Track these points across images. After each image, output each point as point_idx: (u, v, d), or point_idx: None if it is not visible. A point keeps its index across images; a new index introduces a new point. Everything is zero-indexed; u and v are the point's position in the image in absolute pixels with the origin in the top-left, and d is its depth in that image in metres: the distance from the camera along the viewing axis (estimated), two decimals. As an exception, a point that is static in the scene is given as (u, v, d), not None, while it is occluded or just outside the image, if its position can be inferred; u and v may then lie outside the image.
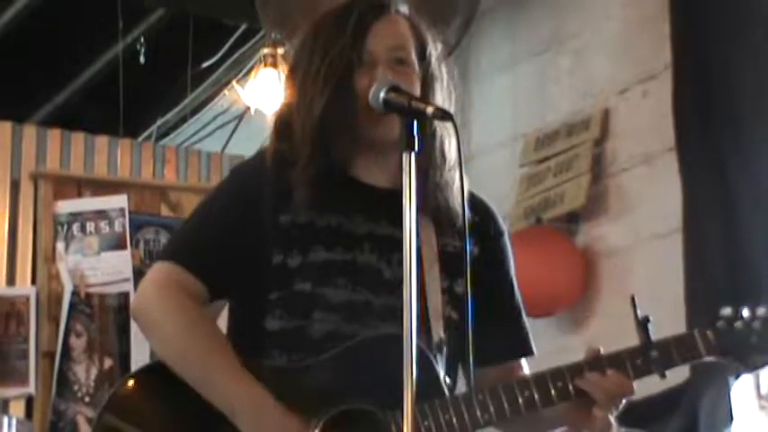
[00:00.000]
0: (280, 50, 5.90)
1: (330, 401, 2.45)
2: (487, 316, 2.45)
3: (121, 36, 6.62)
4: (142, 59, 6.70)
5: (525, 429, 2.66)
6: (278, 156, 2.61)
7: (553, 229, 5.19)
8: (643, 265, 4.82)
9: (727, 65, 4.56)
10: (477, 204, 2.69)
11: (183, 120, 7.41)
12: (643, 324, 2.53)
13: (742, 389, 4.46)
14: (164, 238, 5.60)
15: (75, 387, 5.35)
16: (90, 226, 5.55)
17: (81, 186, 5.67)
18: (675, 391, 4.38)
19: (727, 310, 2.57)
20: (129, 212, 5.62)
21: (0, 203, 5.59)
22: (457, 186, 2.56)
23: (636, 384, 2.55)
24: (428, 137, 2.51)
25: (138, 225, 5.63)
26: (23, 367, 5.36)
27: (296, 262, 2.54)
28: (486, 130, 5.66)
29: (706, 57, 4.63)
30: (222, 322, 2.66)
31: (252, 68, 6.34)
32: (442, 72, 2.66)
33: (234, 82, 6.55)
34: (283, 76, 4.44)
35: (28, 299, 5.44)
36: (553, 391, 2.51)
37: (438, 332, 2.55)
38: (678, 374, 4.28)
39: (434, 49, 2.66)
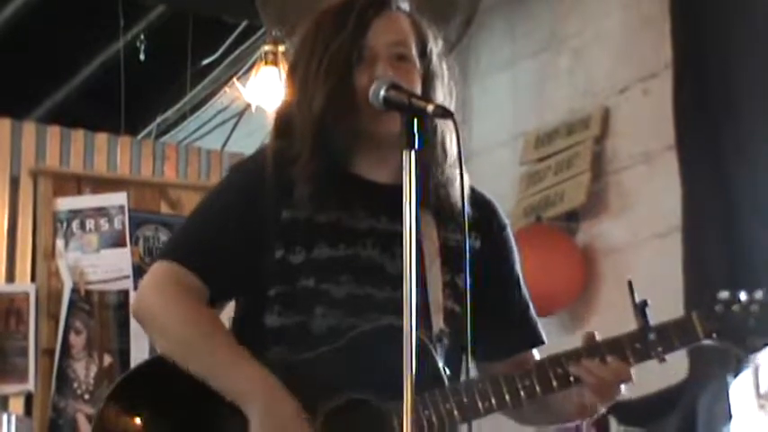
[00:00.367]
0: (281, 48, 5.90)
1: (331, 393, 2.46)
2: (494, 310, 2.45)
3: (122, 33, 6.62)
4: (142, 57, 6.71)
5: (532, 417, 2.67)
6: (279, 152, 2.61)
7: (553, 228, 5.19)
8: (643, 264, 4.83)
9: (726, 64, 4.56)
10: (478, 199, 2.69)
11: (183, 117, 7.41)
12: (641, 308, 2.54)
13: (741, 387, 4.46)
14: (163, 236, 5.60)
15: (75, 384, 5.35)
16: (90, 223, 5.55)
17: (81, 183, 5.67)
18: (674, 389, 4.39)
19: (724, 294, 2.58)
20: (129, 210, 5.61)
21: (-1, 200, 5.59)
22: (458, 182, 2.56)
23: (635, 383, 2.55)
24: (429, 133, 2.51)
25: (137, 222, 5.63)
26: (23, 364, 5.36)
27: (299, 258, 2.54)
28: (487, 129, 5.67)
29: (706, 55, 4.64)
30: (225, 319, 2.66)
31: (252, 66, 6.34)
32: (442, 69, 2.66)
33: (234, 79, 6.56)
34: (284, 74, 4.43)
35: (27, 296, 5.44)
36: (553, 380, 2.51)
37: (438, 324, 2.55)
38: (677, 373, 4.30)
39: (435, 46, 2.66)
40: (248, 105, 6.34)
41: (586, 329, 2.60)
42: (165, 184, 5.85)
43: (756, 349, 2.61)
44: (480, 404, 2.48)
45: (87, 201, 5.60)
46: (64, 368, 5.36)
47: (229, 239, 2.57)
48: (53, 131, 5.81)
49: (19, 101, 6.66)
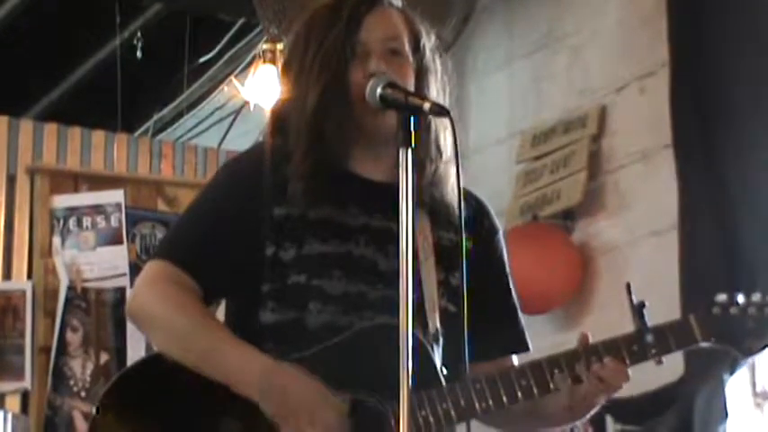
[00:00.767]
0: (278, 46, 5.90)
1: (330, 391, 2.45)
2: (482, 311, 2.45)
3: (119, 31, 6.62)
4: (139, 54, 6.70)
5: (521, 422, 2.67)
6: (274, 149, 2.61)
7: (549, 226, 5.19)
8: (639, 262, 4.83)
9: (723, 62, 4.56)
10: (471, 201, 2.69)
11: (180, 115, 7.41)
12: (638, 310, 2.54)
13: (737, 386, 4.46)
14: (160, 233, 5.60)
15: (71, 382, 5.35)
16: (86, 221, 5.55)
17: (77, 181, 5.67)
18: (671, 387, 4.39)
19: (722, 297, 2.58)
20: (126, 207, 5.62)
21: (-4, 198, 5.59)
22: (453, 180, 2.57)
23: (631, 381, 2.55)
24: (423, 130, 2.51)
25: (134, 220, 5.63)
26: (19, 362, 5.36)
27: (290, 255, 2.54)
28: (483, 127, 5.67)
29: (703, 54, 4.64)
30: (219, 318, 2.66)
31: (249, 64, 6.34)
32: (436, 64, 2.66)
33: (232, 77, 6.56)
34: (279, 71, 4.44)
35: (24, 293, 5.44)
36: (550, 380, 2.51)
37: (434, 323, 2.55)
38: (673, 371, 4.30)
39: (428, 41, 2.66)
40: (245, 103, 6.34)
41: (582, 328, 2.60)
42: (162, 181, 5.85)
43: (754, 352, 2.61)
44: (477, 404, 2.48)
45: (84, 198, 5.60)
46: (60, 366, 5.36)
47: (222, 237, 2.57)
48: (50, 129, 5.81)
49: (16, 99, 6.66)
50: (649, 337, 2.53)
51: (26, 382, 5.35)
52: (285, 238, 2.55)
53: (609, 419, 4.65)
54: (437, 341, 2.55)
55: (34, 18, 6.54)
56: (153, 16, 6.70)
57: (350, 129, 2.57)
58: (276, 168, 2.58)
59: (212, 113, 7.28)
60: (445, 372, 2.52)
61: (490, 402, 2.48)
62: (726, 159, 4.49)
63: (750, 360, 4.38)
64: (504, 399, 2.49)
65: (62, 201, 5.56)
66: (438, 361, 2.53)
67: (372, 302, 2.52)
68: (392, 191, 2.27)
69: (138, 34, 6.71)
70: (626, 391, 2.58)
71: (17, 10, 6.53)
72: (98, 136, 5.90)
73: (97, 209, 5.58)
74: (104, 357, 5.42)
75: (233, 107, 6.97)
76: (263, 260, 2.55)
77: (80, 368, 5.38)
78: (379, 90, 2.43)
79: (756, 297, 2.58)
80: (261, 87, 6.05)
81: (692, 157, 4.64)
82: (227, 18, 6.68)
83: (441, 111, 2.37)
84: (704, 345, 2.57)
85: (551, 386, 2.51)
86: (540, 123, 5.41)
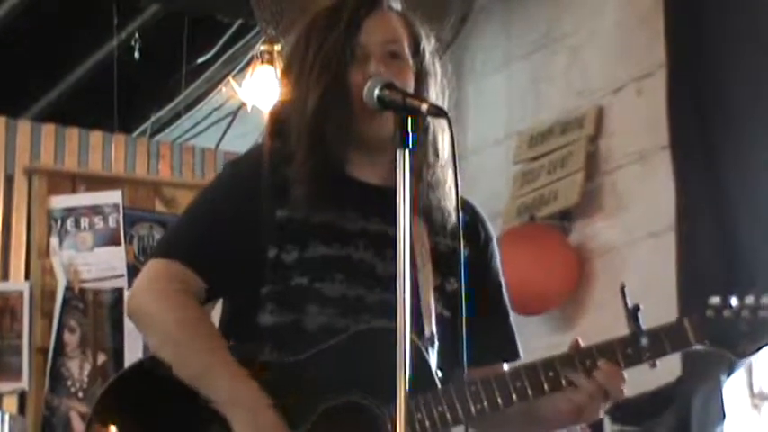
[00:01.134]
0: (276, 47, 5.90)
1: (323, 394, 2.46)
2: (475, 318, 2.45)
3: (116, 32, 6.62)
4: (137, 55, 6.70)
5: (517, 428, 2.67)
6: (274, 152, 2.61)
7: (547, 227, 5.19)
8: (636, 264, 4.83)
9: (721, 63, 4.56)
10: (467, 208, 2.69)
11: (178, 116, 7.41)
12: (633, 313, 2.54)
13: (734, 387, 4.47)
14: (158, 234, 5.60)
15: (69, 382, 5.35)
16: (84, 221, 5.55)
17: (75, 182, 5.67)
18: (668, 388, 4.39)
19: (715, 299, 2.59)
20: (124, 208, 5.62)
21: (-6, 198, 5.59)
22: (449, 185, 2.58)
23: (629, 381, 2.55)
24: (421, 133, 2.51)
25: (132, 221, 5.63)
26: (17, 362, 5.36)
27: (292, 257, 2.54)
28: (481, 128, 5.67)
29: (700, 55, 4.64)
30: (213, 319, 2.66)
31: (246, 65, 6.34)
32: (435, 67, 2.66)
33: (229, 78, 6.56)
34: (279, 73, 4.44)
35: (21, 294, 5.44)
36: (545, 382, 2.51)
37: (430, 327, 2.55)
38: (671, 372, 4.30)
39: (428, 44, 2.66)
40: (243, 104, 6.34)
41: (579, 329, 2.62)
42: (160, 182, 5.85)
43: (748, 354, 2.61)
44: (472, 406, 2.48)
45: (82, 199, 5.60)
46: (58, 366, 5.36)
47: (222, 237, 2.57)
48: (48, 130, 5.81)
49: (13, 99, 6.65)
50: (644, 340, 2.53)
51: (23, 383, 5.35)
52: (287, 241, 2.55)
53: (606, 420, 4.65)
54: (432, 345, 2.55)
55: (32, 19, 6.53)
56: (151, 17, 6.70)
57: (350, 131, 2.57)
58: (276, 170, 2.58)
59: (210, 114, 7.29)
60: (440, 375, 2.52)
61: (485, 404, 2.48)
62: (724, 160, 4.49)
63: (747, 361, 4.38)
64: (499, 400, 2.49)
65: (60, 201, 5.56)
66: (434, 364, 2.53)
67: (370, 306, 2.53)
68: (389, 195, 2.27)
69: (136, 35, 6.71)
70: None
71: (15, 10, 6.53)
72: (96, 137, 5.90)
73: (95, 209, 5.58)
74: (102, 358, 5.42)
75: (231, 108, 6.97)
76: (263, 262, 2.55)
77: (77, 369, 5.37)
78: (376, 91, 2.43)
79: (750, 300, 2.59)
80: (258, 88, 6.05)
81: (690, 157, 4.64)
82: (225, 19, 6.68)
83: (438, 112, 2.37)
84: (698, 347, 2.58)
85: (545, 389, 2.50)
86: (537, 124, 5.41)
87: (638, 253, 4.86)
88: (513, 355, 2.71)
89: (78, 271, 5.48)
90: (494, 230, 2.82)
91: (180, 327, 2.52)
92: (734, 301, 2.58)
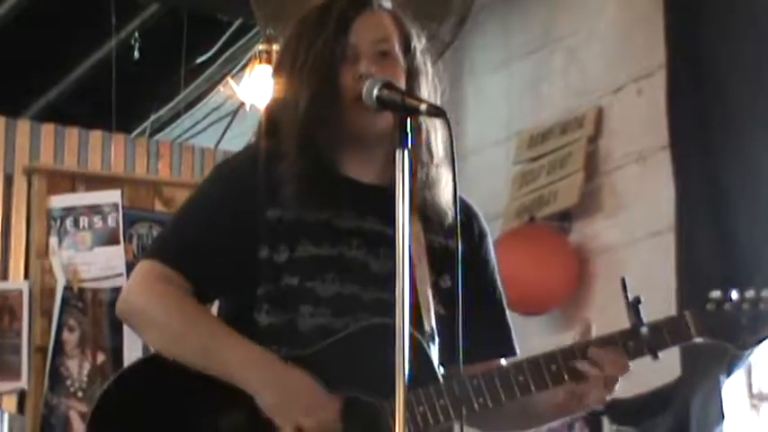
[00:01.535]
0: (275, 47, 5.90)
1: (327, 390, 2.46)
2: (471, 314, 2.45)
3: (115, 31, 6.62)
4: (136, 55, 6.70)
5: (513, 421, 2.67)
6: (266, 151, 2.61)
7: (546, 228, 5.19)
8: (636, 264, 4.83)
9: (720, 63, 4.56)
10: (461, 204, 2.68)
11: (177, 115, 7.41)
12: (634, 305, 2.55)
13: (734, 387, 4.47)
14: (157, 234, 5.60)
15: (68, 382, 5.35)
16: (83, 221, 5.55)
17: (75, 181, 5.66)
18: (667, 388, 4.39)
19: (716, 293, 2.60)
20: (123, 207, 5.61)
21: (-6, 198, 5.60)
22: (444, 183, 2.58)
23: (628, 382, 2.55)
24: (415, 133, 2.51)
25: (131, 220, 5.62)
26: (16, 362, 5.36)
27: (283, 257, 2.54)
28: (480, 129, 5.67)
29: (700, 55, 4.64)
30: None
31: (246, 64, 6.34)
32: (427, 66, 2.66)
33: (229, 78, 6.56)
34: (271, 73, 4.44)
35: (21, 293, 5.43)
36: (547, 375, 2.51)
37: (429, 323, 2.55)
38: (670, 372, 4.30)
39: (419, 43, 2.66)
40: (242, 104, 6.34)
41: (578, 330, 2.60)
42: (159, 181, 5.85)
43: (748, 347, 2.63)
44: (474, 400, 2.48)
45: (81, 198, 5.59)
46: (57, 366, 5.35)
47: (214, 237, 2.57)
48: (47, 129, 5.81)
49: (13, 99, 6.66)
50: (645, 333, 2.54)
51: (23, 382, 5.35)
52: (279, 241, 2.55)
53: (605, 420, 4.66)
54: (433, 340, 2.55)
55: (31, 18, 6.53)
56: (150, 17, 6.70)
57: (340, 131, 2.57)
58: (268, 169, 2.58)
59: (209, 114, 7.29)
60: (442, 370, 2.53)
61: (487, 398, 2.49)
62: (723, 160, 4.49)
63: (747, 361, 4.39)
64: (502, 394, 2.50)
65: (59, 201, 5.55)
66: (435, 360, 2.53)
67: (366, 304, 2.52)
68: (385, 193, 2.27)
69: (136, 34, 6.71)
70: (622, 391, 2.58)
71: (14, 10, 6.53)
72: (95, 136, 5.90)
73: (94, 209, 5.58)
74: (101, 357, 5.41)
75: (230, 108, 6.98)
76: (255, 262, 2.54)
77: (77, 368, 5.37)
78: (375, 91, 2.43)
79: (750, 293, 2.61)
80: (258, 88, 6.05)
81: (690, 158, 4.64)
82: (225, 18, 6.68)
83: (437, 112, 2.38)
84: (699, 340, 2.59)
85: (548, 382, 2.51)
86: (537, 124, 5.41)
87: (637, 253, 4.86)
88: (509, 350, 2.71)
89: (78, 270, 5.48)
90: (493, 231, 2.82)
91: (172, 314, 2.52)
92: (734, 295, 2.60)
